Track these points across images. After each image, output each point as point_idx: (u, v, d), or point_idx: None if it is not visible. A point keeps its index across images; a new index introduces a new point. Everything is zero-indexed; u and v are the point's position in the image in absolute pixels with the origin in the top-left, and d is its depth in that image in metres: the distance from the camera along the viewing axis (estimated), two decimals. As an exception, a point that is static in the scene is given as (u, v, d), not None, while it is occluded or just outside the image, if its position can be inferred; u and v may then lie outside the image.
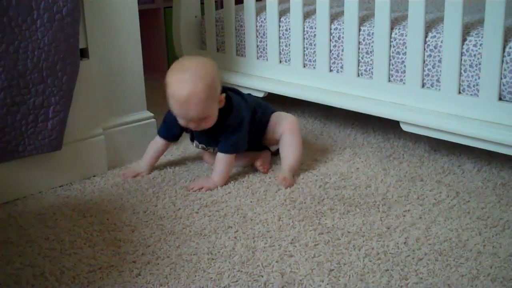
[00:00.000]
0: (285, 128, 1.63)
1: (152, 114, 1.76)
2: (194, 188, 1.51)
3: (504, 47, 1.49)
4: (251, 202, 1.44)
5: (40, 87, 1.44)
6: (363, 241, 1.24)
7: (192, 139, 1.65)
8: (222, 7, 2.19)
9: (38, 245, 1.25)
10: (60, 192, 1.52)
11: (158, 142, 1.64)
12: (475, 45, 1.55)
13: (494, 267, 1.14)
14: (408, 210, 1.38)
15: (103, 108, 1.64)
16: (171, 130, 1.61)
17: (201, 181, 1.54)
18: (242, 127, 1.56)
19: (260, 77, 2.06)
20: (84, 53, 1.58)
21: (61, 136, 1.51)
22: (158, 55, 2.79)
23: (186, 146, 1.81)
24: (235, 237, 1.27)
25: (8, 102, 1.40)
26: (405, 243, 1.23)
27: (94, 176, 1.61)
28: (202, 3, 2.26)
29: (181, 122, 1.51)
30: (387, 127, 1.90)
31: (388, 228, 1.30)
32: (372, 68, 1.76)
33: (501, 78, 1.51)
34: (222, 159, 1.55)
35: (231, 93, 1.59)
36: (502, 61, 1.49)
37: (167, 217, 1.37)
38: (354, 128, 1.96)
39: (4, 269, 1.17)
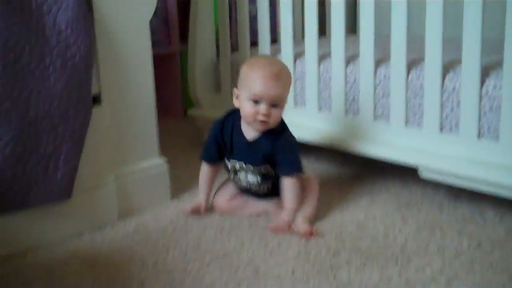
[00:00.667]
0: (305, 186, 1.58)
1: (164, 161, 1.72)
2: (278, 231, 1.48)
3: (525, 91, 1.44)
4: (264, 254, 1.39)
5: (51, 135, 1.42)
6: (381, 298, 1.19)
7: (228, 157, 1.58)
8: (237, 49, 2.17)
9: (43, 302, 1.22)
10: (70, 242, 1.49)
11: (204, 169, 1.62)
12: (494, 87, 1.51)
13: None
14: (428, 263, 1.32)
15: (114, 155, 1.62)
16: (211, 152, 1.59)
17: (280, 224, 1.48)
18: (298, 147, 1.56)
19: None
20: (96, 99, 1.57)
21: (72, 184, 1.49)
22: (174, 99, 2.78)
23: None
24: (247, 293, 1.22)
25: (19, 150, 1.38)
26: (425, 299, 1.17)
27: (105, 225, 1.58)
28: (217, 46, 2.25)
29: (251, 107, 1.46)
30: (405, 172, 1.85)
31: (407, 284, 1.24)
32: (389, 112, 1.72)
33: (523, 123, 1.46)
34: (290, 184, 1.51)
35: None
36: (523, 105, 1.45)
37: (177, 271, 1.32)
38: (371, 173, 1.90)
39: (7, 329, 1.13)
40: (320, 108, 1.90)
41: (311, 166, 1.93)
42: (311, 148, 2.10)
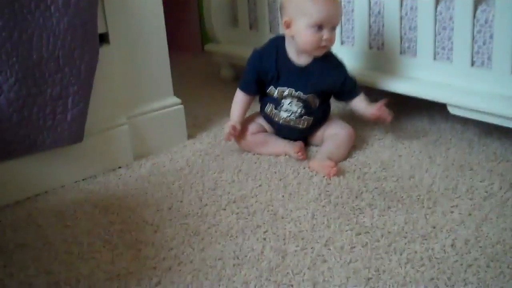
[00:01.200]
0: (342, 133, 1.53)
1: (179, 100, 1.65)
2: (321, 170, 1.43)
3: None
4: (282, 197, 1.33)
5: (57, 77, 1.36)
6: (405, 244, 1.12)
7: (275, 85, 1.52)
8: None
9: (55, 248, 1.18)
10: (82, 186, 1.45)
11: (239, 96, 1.58)
12: (531, 18, 1.39)
13: (556, 276, 1.01)
14: (456, 206, 1.25)
15: (126, 95, 1.55)
16: (250, 82, 1.55)
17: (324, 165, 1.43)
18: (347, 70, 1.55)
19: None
20: (104, 38, 1.49)
21: (82, 127, 1.43)
22: (192, 33, 2.69)
23: (217, 133, 1.71)
24: (264, 239, 1.17)
25: (23, 94, 1.32)
26: (452, 245, 1.11)
27: (119, 167, 1.53)
28: (234, -22, 2.14)
29: (314, 34, 1.43)
30: (433, 108, 1.75)
31: (434, 228, 1.17)
32: (416, 45, 1.61)
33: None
34: (346, 136, 1.52)
35: None
36: None
37: (192, 215, 1.28)
38: (398, 110, 1.81)
39: (18, 276, 1.10)
40: (342, 42, 1.80)
41: (333, 102, 1.84)
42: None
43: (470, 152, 1.50)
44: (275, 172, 1.45)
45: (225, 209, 1.29)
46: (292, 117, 1.53)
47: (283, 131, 1.57)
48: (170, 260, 1.12)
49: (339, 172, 1.41)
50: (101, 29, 1.45)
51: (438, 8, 1.55)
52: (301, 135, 1.57)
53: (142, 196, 1.38)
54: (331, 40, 1.46)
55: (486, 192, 1.29)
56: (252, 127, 1.58)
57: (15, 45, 1.28)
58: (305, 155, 1.50)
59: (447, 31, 1.54)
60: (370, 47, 1.73)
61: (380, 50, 1.70)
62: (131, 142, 1.56)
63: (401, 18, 1.63)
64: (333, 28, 1.45)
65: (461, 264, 1.05)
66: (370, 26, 1.71)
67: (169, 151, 1.61)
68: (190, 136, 1.69)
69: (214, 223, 1.24)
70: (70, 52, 1.36)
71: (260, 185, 1.39)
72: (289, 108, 1.53)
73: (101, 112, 1.48)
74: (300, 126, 1.55)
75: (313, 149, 1.57)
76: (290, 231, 1.19)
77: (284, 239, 1.16)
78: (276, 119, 1.56)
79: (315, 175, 1.41)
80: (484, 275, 1.02)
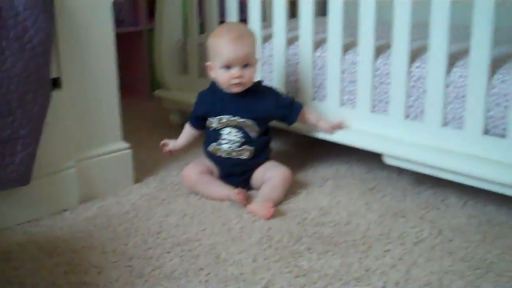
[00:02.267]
0: (277, 175, 1.60)
1: (127, 145, 1.70)
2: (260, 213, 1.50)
3: (489, 79, 1.44)
4: (225, 240, 1.38)
5: (8, 120, 1.38)
6: (340, 286, 1.19)
7: (215, 115, 1.64)
8: (205, 31, 2.14)
9: (-2, 289, 1.19)
10: (28, 228, 1.46)
11: (187, 128, 1.74)
12: (460, 76, 1.51)
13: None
14: (389, 250, 1.32)
15: (76, 139, 1.58)
16: (197, 118, 1.70)
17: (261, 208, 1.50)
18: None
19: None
20: (56, 83, 1.53)
21: (30, 170, 1.45)
22: (140, 79, 2.74)
23: (164, 177, 1.75)
24: (206, 281, 1.21)
25: (-26, 135, 1.34)
26: (384, 285, 1.18)
27: (65, 210, 1.55)
28: (185, 27, 2.22)
29: (224, 74, 1.58)
30: (370, 157, 1.84)
31: (367, 271, 1.24)
32: (356, 98, 1.71)
33: (486, 111, 1.46)
34: (282, 175, 1.60)
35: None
36: (487, 93, 1.45)
37: (136, 257, 1.31)
38: (338, 158, 1.90)
39: (-40, 317, 1.10)
40: (287, 93, 1.88)
41: (278, 150, 1.91)
42: (278, 132, 2.09)
43: (403, 200, 1.58)
44: (219, 217, 1.50)
45: (169, 252, 1.33)
46: (234, 147, 1.62)
47: (227, 166, 1.64)
48: (114, 301, 1.15)
49: (277, 213, 1.48)
50: (54, 74, 1.49)
51: (376, 64, 1.65)
52: (245, 169, 1.64)
53: (87, 239, 1.40)
54: (241, 77, 1.57)
55: (417, 237, 1.38)
56: (199, 167, 1.64)
57: (-31, 87, 1.31)
58: (246, 200, 1.56)
59: (384, 85, 1.64)
60: (313, 98, 1.82)
61: (321, 101, 1.79)
62: (78, 185, 1.58)
63: (342, 71, 1.73)
64: (245, 66, 1.58)
65: (391, 306, 1.12)
66: (313, 79, 1.80)
67: (116, 195, 1.64)
68: (137, 180, 1.73)
69: (158, 265, 1.27)
70: (23, 95, 1.39)
71: (204, 229, 1.44)
72: (229, 137, 1.62)
73: (49, 155, 1.51)
74: (242, 157, 1.62)
75: (254, 193, 1.63)
76: (232, 274, 1.24)
77: (225, 281, 1.21)
78: (219, 154, 1.64)
79: (258, 219, 1.47)
80: (411, 316, 1.09)
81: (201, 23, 2.21)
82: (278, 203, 1.55)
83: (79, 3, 1.52)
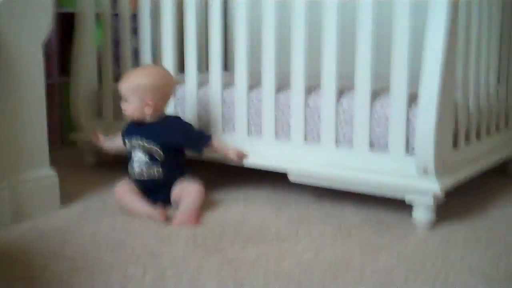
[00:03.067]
0: (190, 190, 1.80)
1: (54, 171, 1.83)
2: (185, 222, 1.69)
3: (372, 105, 1.75)
4: (155, 242, 1.55)
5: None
6: (262, 265, 1.39)
7: (128, 138, 1.90)
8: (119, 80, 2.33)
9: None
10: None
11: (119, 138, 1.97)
12: (348, 104, 1.81)
13: (375, 275, 1.33)
14: (299, 242, 1.55)
15: (8, 163, 1.70)
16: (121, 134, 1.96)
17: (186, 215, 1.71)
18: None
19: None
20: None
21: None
22: (53, 128, 2.85)
23: (88, 203, 1.89)
24: (145, 268, 1.37)
25: None
26: (298, 263, 1.40)
27: (-2, 228, 1.65)
28: (99, 77, 2.41)
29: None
30: (276, 180, 2.09)
31: (283, 255, 1.45)
32: (261, 128, 1.97)
33: (370, 131, 1.76)
34: (197, 190, 1.80)
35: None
36: (371, 116, 1.75)
37: (76, 258, 1.44)
38: (247, 182, 2.13)
39: None
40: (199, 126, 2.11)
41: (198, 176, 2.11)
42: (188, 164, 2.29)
43: (307, 211, 1.83)
44: (147, 227, 1.66)
45: (105, 252, 1.47)
46: (142, 167, 1.84)
47: (147, 186, 1.84)
48: None
49: (201, 220, 1.69)
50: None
51: (278, 97, 1.93)
52: (163, 188, 1.83)
53: (23, 248, 1.51)
54: (123, 108, 1.89)
55: (320, 234, 1.62)
56: (129, 185, 1.84)
57: None
58: (165, 216, 1.72)
59: (285, 115, 1.92)
60: (224, 131, 2.05)
61: (231, 133, 2.03)
62: (10, 205, 1.69)
63: (248, 107, 1.99)
64: (125, 100, 1.87)
65: (306, 274, 1.33)
66: (223, 115, 2.05)
67: (45, 215, 1.75)
68: (64, 203, 1.86)
69: (97, 260, 1.41)
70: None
71: (135, 235, 1.59)
72: (137, 158, 1.85)
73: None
74: (155, 177, 1.84)
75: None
76: (166, 263, 1.41)
77: (161, 268, 1.37)
78: (135, 176, 1.85)
79: (182, 228, 1.65)
80: (323, 281, 1.31)
81: (115, 74, 2.40)
82: (197, 211, 1.75)
83: (14, 42, 1.69)
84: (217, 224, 1.69)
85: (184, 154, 1.94)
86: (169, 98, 1.94)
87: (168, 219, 1.71)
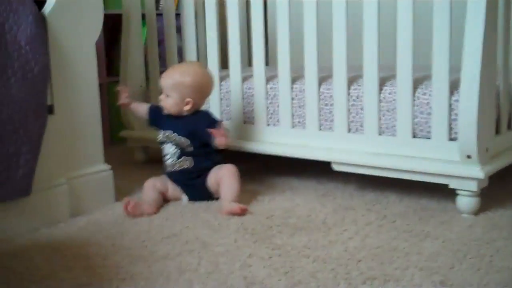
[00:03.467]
0: (223, 172, 1.87)
1: (109, 166, 1.92)
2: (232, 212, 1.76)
3: (414, 93, 1.78)
4: (208, 232, 1.62)
5: (13, 138, 1.60)
6: (310, 252, 1.45)
7: (161, 129, 1.98)
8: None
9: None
10: (29, 236, 1.64)
11: (146, 109, 2.08)
12: (390, 93, 1.84)
13: (421, 261, 1.37)
14: (345, 230, 1.60)
15: (66, 159, 1.80)
16: (154, 110, 2.05)
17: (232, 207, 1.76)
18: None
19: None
20: (50, 109, 1.75)
21: (30, 183, 1.66)
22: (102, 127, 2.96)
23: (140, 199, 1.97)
24: (199, 257, 1.44)
25: (-17, 151, 1.54)
26: (345, 250, 1.45)
27: (59, 221, 1.74)
28: (146, 75, 2.49)
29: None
30: (318, 172, 2.14)
31: (330, 242, 1.51)
32: (305, 120, 2.02)
33: (413, 119, 1.79)
34: (230, 172, 1.87)
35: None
36: (413, 104, 1.79)
37: (134, 247, 1.52)
38: (291, 174, 2.19)
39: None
40: (244, 122, 2.17)
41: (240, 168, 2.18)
42: (236, 156, 2.35)
43: (351, 200, 1.88)
44: (198, 218, 1.74)
45: (161, 242, 1.55)
46: (174, 158, 1.92)
47: (179, 179, 1.92)
48: (124, 274, 1.35)
49: (246, 209, 1.77)
50: (48, 101, 1.72)
51: (321, 89, 1.98)
52: (195, 177, 1.90)
53: (84, 241, 1.60)
54: (162, 102, 1.95)
55: (367, 221, 1.66)
56: (156, 179, 1.94)
57: (-19, 107, 1.52)
58: (135, 210, 1.78)
59: (328, 106, 1.96)
60: (268, 124, 2.11)
61: (276, 126, 2.09)
62: (69, 200, 1.79)
63: (292, 98, 2.04)
64: (166, 95, 1.94)
65: (353, 260, 1.39)
66: (267, 108, 2.11)
67: (101, 210, 1.84)
68: (118, 199, 1.94)
69: (154, 250, 1.50)
70: (24, 117, 1.62)
71: (187, 226, 1.67)
72: (168, 151, 1.93)
73: (44, 172, 1.72)
74: (186, 166, 1.90)
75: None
76: (219, 251, 1.47)
77: (215, 256, 1.44)
78: (169, 169, 1.93)
79: (231, 218, 1.72)
80: (371, 264, 1.36)
81: (161, 72, 2.48)
82: (239, 197, 1.82)
83: (69, 41, 1.78)
84: (265, 214, 1.75)
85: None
86: (207, 96, 2.01)
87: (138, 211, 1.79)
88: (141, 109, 2.09)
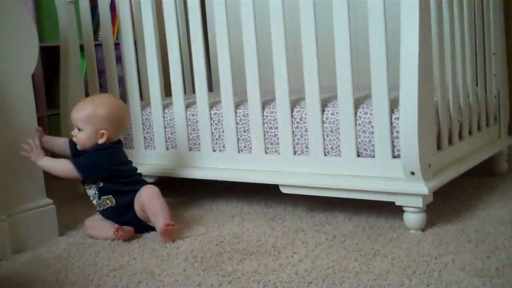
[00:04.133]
0: (143, 198, 1.81)
1: (50, 201, 1.86)
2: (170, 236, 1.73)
3: (355, 113, 1.80)
4: (155, 262, 1.58)
5: None
6: (261, 277, 1.43)
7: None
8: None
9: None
10: (-33, 276, 1.57)
11: (65, 141, 1.94)
12: (332, 114, 1.86)
13: (371, 280, 1.37)
14: (295, 252, 1.59)
15: (5, 195, 1.74)
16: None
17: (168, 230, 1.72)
18: (99, 155, 1.83)
19: (149, 165, 2.24)
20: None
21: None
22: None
23: (84, 232, 1.92)
24: (147, 289, 1.40)
25: None
26: (296, 273, 1.43)
27: (0, 260, 1.68)
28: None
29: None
30: (267, 195, 2.13)
31: (281, 266, 1.49)
32: (251, 144, 2.02)
33: (356, 138, 1.81)
34: (153, 194, 1.83)
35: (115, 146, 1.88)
36: (356, 124, 1.81)
37: (79, 282, 1.47)
38: (240, 199, 2.17)
39: None
40: (190, 149, 2.15)
41: (193, 196, 2.15)
42: (184, 185, 2.33)
43: (301, 222, 1.87)
44: (145, 248, 1.70)
45: (107, 275, 1.50)
46: (96, 199, 1.87)
47: (111, 217, 1.86)
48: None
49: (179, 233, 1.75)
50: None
51: (264, 113, 1.98)
52: (126, 213, 1.85)
53: (28, 277, 1.54)
54: (74, 137, 1.85)
55: (316, 242, 1.66)
56: (95, 216, 1.90)
57: None
58: (124, 234, 1.76)
59: (273, 129, 1.97)
60: (214, 150, 2.10)
61: (221, 152, 2.08)
62: (10, 237, 1.72)
63: (236, 123, 2.03)
64: (78, 129, 1.84)
65: (304, 283, 1.37)
66: (212, 133, 2.09)
67: (45, 245, 1.78)
68: (61, 233, 1.89)
69: (100, 284, 1.45)
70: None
71: (134, 258, 1.63)
72: (90, 193, 1.88)
73: (-17, 209, 1.65)
74: (109, 205, 1.85)
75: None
76: (167, 282, 1.44)
77: (165, 286, 1.40)
78: (98, 209, 1.89)
79: (180, 246, 1.68)
80: (321, 286, 1.35)
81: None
82: (169, 215, 1.79)
83: (4, 76, 1.73)
84: (214, 241, 1.72)
85: (126, 172, 1.90)
86: (122, 129, 1.94)
87: (125, 233, 1.77)
88: (58, 142, 1.95)
